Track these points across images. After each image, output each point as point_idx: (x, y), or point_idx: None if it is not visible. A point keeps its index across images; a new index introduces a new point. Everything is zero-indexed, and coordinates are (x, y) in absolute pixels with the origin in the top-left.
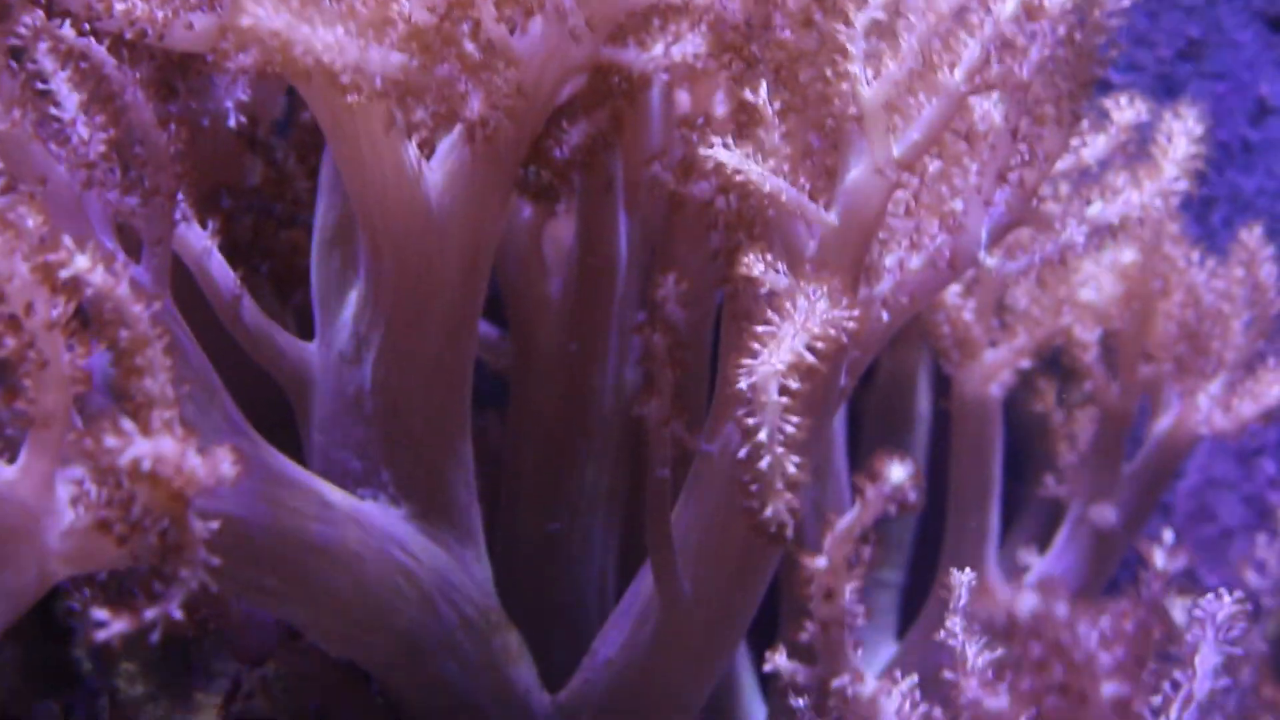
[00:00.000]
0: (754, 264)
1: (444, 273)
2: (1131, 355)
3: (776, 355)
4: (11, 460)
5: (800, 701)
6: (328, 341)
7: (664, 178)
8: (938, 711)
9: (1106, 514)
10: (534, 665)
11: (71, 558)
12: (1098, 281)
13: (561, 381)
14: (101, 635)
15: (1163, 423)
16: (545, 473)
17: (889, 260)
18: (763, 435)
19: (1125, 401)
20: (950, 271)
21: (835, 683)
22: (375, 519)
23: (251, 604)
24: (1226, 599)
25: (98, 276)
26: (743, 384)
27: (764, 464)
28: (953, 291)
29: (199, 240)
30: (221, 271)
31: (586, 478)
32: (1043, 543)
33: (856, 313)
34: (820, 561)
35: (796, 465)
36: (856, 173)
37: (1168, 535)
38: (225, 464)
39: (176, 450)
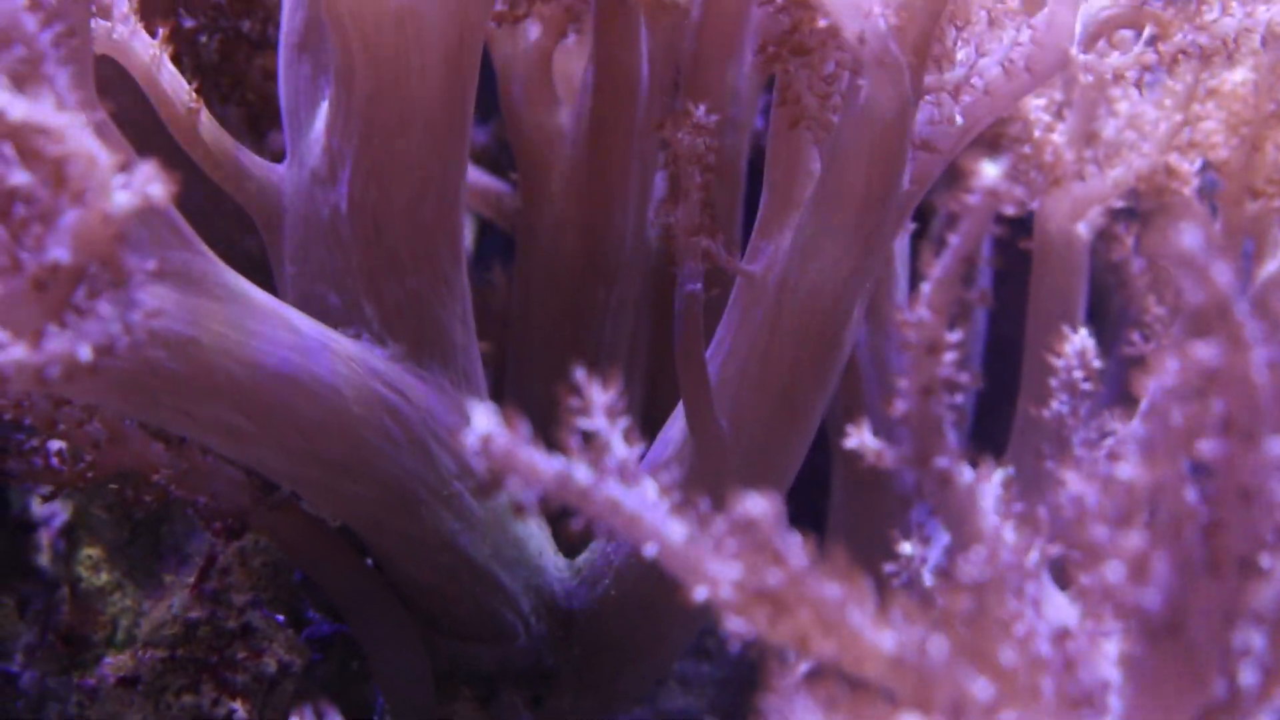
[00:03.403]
0: None
1: (423, 71)
2: (1236, 190)
3: None
4: None
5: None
6: (299, 159)
7: None
8: (1041, 509)
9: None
10: (547, 526)
11: None
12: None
13: (577, 224)
14: None
15: (1269, 266)
16: (560, 327)
17: (962, 54)
18: None
19: (1228, 243)
20: (1032, 67)
21: (936, 462)
22: (353, 349)
23: (218, 449)
24: None
25: None
26: None
27: None
28: (1037, 107)
29: (145, 49)
30: (173, 83)
31: (605, 331)
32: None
33: None
34: (921, 312)
35: None
36: None
37: None
38: (155, 184)
39: (82, 135)
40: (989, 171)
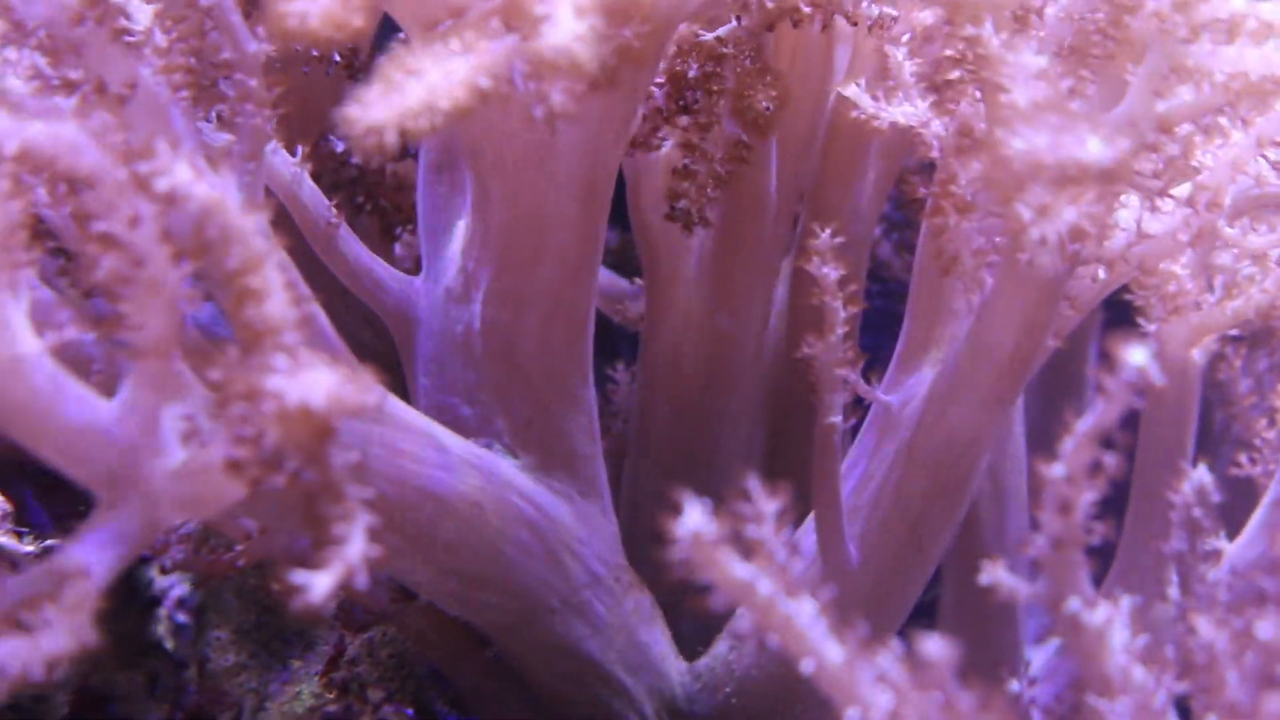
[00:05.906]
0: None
1: (558, 207)
2: None
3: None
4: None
5: None
6: (434, 275)
7: (862, 100)
8: (1169, 650)
9: None
10: (668, 630)
11: (184, 502)
12: None
13: (699, 335)
14: (311, 598)
15: None
16: (677, 431)
17: (1122, 216)
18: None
19: None
20: (1185, 239)
21: (1067, 607)
22: (494, 466)
23: None
24: None
25: (201, 187)
26: None
27: None
28: None
29: (287, 166)
30: (314, 198)
31: (723, 439)
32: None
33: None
34: (1057, 469)
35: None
36: (1109, 119)
37: None
38: (372, 392)
39: (330, 378)
40: (1136, 358)
